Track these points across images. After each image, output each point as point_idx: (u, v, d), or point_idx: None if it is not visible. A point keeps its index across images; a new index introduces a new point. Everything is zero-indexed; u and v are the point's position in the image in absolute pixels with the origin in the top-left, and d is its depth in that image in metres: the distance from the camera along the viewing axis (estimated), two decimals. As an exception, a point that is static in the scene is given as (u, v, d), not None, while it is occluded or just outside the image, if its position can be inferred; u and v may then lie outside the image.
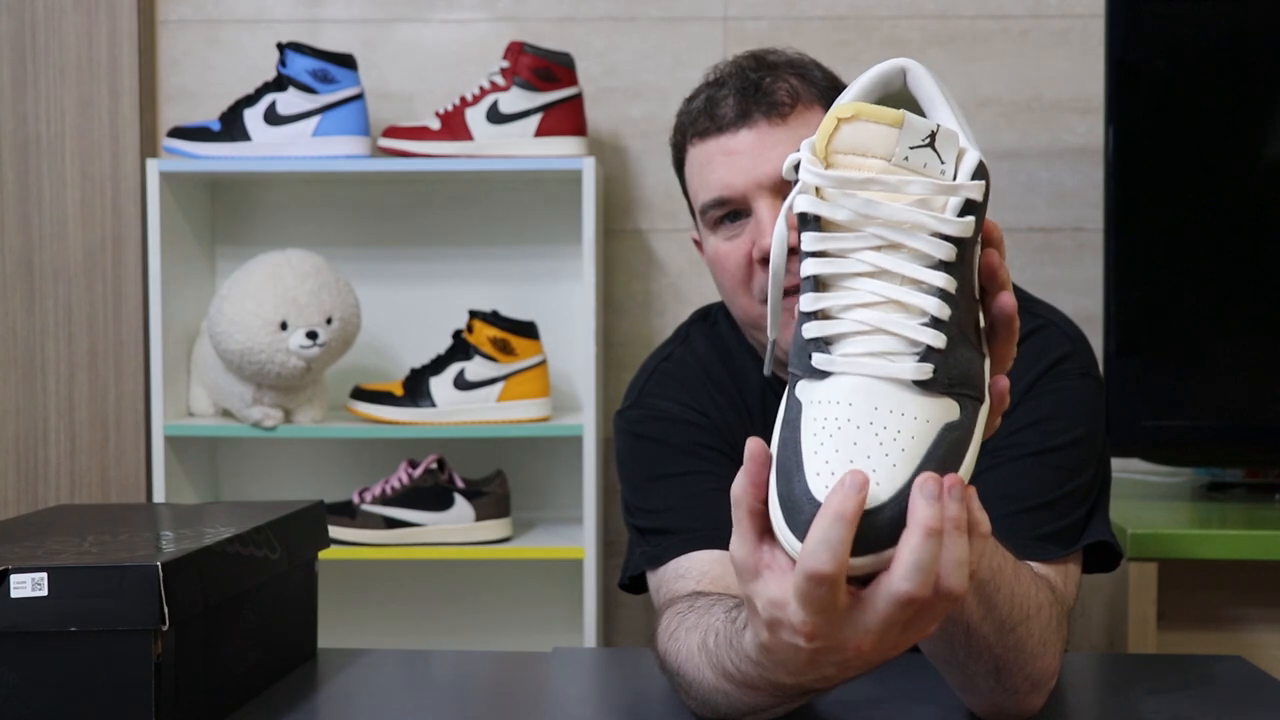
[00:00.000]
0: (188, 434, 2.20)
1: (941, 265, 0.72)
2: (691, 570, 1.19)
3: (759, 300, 1.25)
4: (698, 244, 1.36)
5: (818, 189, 0.73)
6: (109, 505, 1.75)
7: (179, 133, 2.19)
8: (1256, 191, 2.05)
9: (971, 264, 0.74)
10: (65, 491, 2.34)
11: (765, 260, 1.21)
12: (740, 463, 1.32)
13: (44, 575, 0.93)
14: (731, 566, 1.14)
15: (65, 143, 2.33)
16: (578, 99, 2.19)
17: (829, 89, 1.28)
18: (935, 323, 0.72)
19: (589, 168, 2.12)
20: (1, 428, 2.35)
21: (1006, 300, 0.77)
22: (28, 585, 0.93)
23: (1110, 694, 1.19)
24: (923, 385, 0.71)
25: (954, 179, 0.72)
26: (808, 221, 0.74)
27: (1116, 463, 2.14)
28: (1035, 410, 1.19)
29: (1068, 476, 1.18)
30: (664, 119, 2.39)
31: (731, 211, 1.26)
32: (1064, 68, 2.33)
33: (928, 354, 0.71)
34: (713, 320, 1.41)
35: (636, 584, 1.31)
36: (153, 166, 2.15)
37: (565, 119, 2.17)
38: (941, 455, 0.71)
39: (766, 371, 0.87)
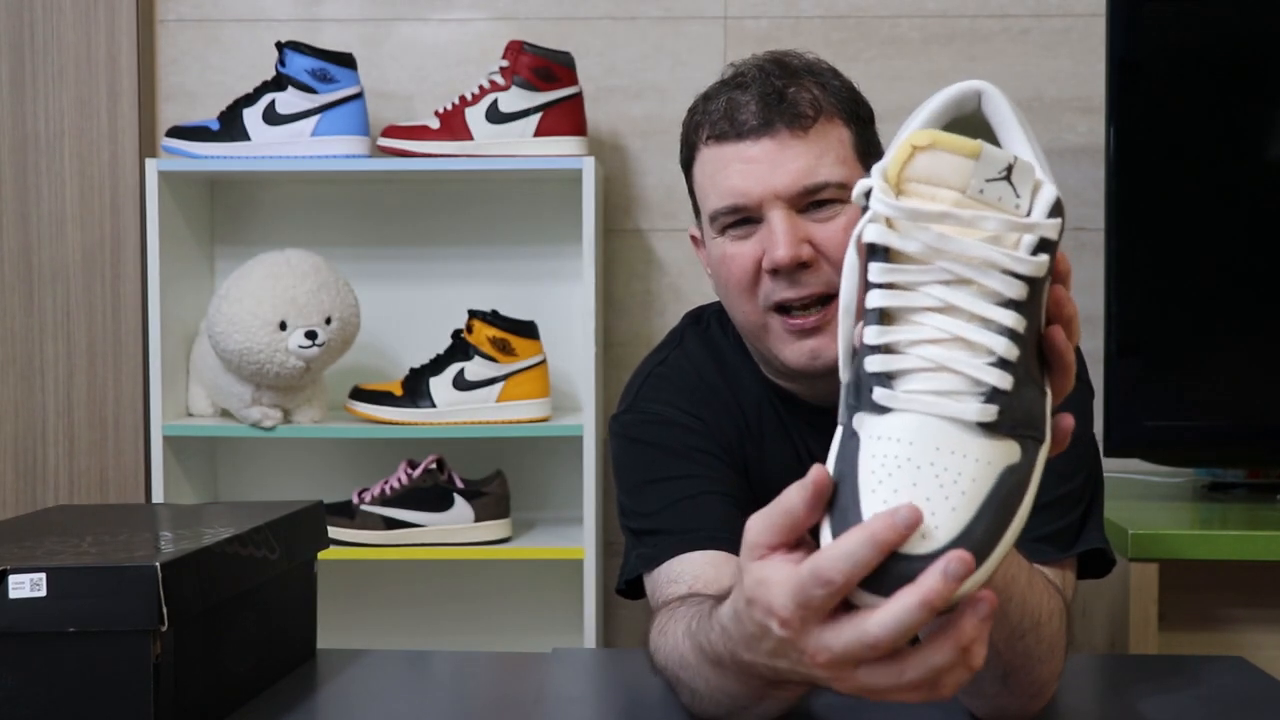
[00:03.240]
0: (187, 434, 2.20)
1: (1011, 304, 0.70)
2: (685, 574, 1.19)
3: (763, 309, 1.25)
4: (695, 240, 1.36)
5: (889, 220, 0.71)
6: (108, 506, 1.74)
7: (178, 132, 2.19)
8: (1257, 191, 2.05)
9: (1041, 302, 0.72)
10: (64, 492, 2.34)
11: (775, 271, 1.21)
12: (735, 467, 1.31)
13: (43, 576, 0.93)
14: (725, 568, 1.15)
15: (64, 142, 2.33)
16: (577, 98, 2.19)
17: (849, 99, 1.27)
18: (1002, 363, 0.70)
19: (589, 167, 2.12)
20: (1, 428, 2.34)
21: (1055, 335, 0.74)
22: (26, 586, 0.93)
23: (1111, 694, 1.19)
24: (986, 427, 0.69)
25: (1029, 214, 0.70)
26: (876, 252, 0.72)
27: (1117, 463, 2.15)
28: None
29: (1060, 480, 1.17)
30: (664, 119, 2.41)
31: (743, 219, 1.24)
32: (1065, 67, 2.33)
33: (993, 395, 0.69)
34: (705, 323, 1.40)
35: (634, 589, 1.30)
36: (151, 166, 2.15)
37: (565, 118, 2.17)
38: (1002, 499, 0.68)
39: (842, 422, 0.77)
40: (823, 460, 0.74)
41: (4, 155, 2.33)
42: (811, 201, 1.21)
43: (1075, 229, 2.32)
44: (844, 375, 0.75)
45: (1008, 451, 0.70)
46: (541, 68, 2.16)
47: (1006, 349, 0.69)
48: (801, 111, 1.22)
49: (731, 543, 1.20)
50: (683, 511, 1.24)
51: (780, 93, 1.23)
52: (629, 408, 1.36)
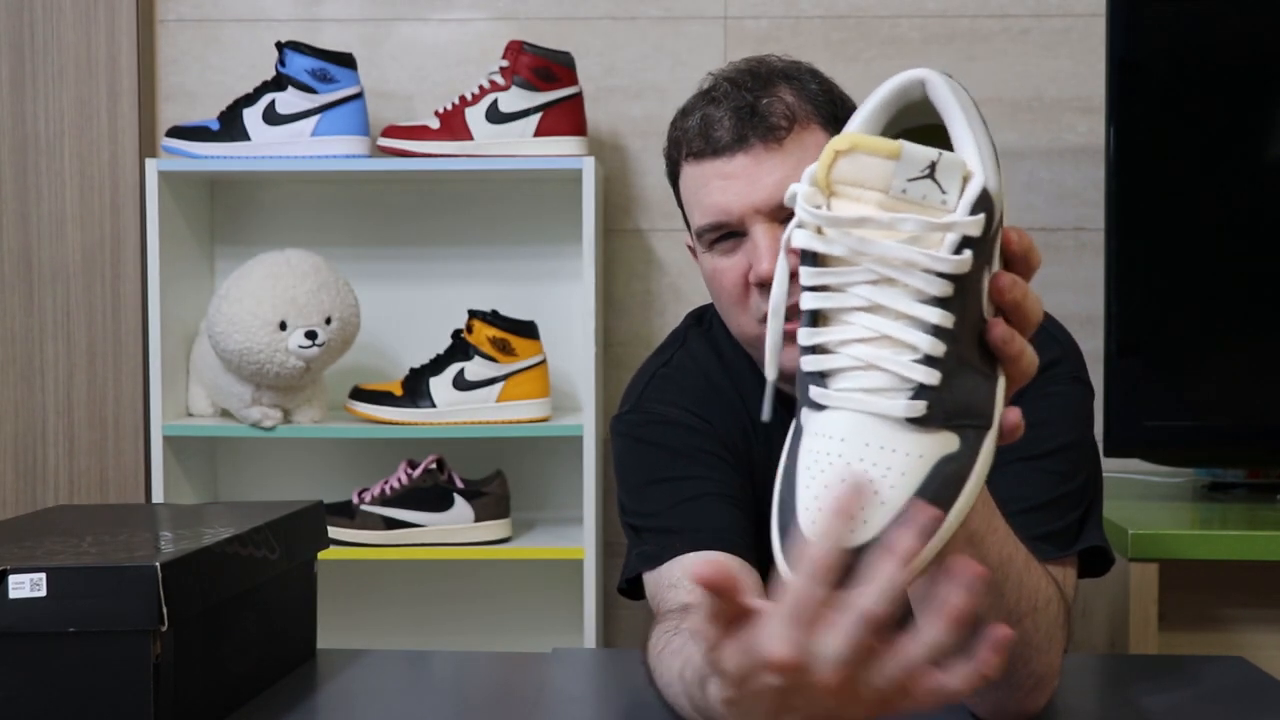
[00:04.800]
0: (187, 434, 2.20)
1: (936, 301, 0.71)
2: (685, 580, 1.19)
3: (757, 320, 1.25)
4: (692, 250, 1.36)
5: (816, 225, 0.73)
6: (108, 506, 1.75)
7: (178, 132, 2.19)
8: (1257, 191, 2.05)
9: (977, 293, 0.73)
10: (64, 492, 2.34)
11: (762, 284, 1.21)
12: (740, 469, 1.31)
13: (43, 576, 0.93)
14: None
15: (64, 142, 2.33)
16: (577, 98, 2.19)
17: (826, 102, 1.26)
18: (929, 360, 0.71)
19: (589, 167, 2.12)
20: (1, 428, 2.34)
21: (993, 329, 0.74)
22: (26, 586, 0.93)
23: (1111, 694, 1.19)
24: (915, 422, 0.70)
25: (955, 210, 0.71)
26: (806, 256, 0.74)
27: (1117, 463, 2.15)
28: (1027, 415, 1.18)
29: (1061, 480, 1.18)
30: (664, 119, 2.38)
31: (727, 234, 1.25)
32: (1065, 67, 2.33)
33: (920, 391, 0.70)
34: (708, 324, 1.41)
35: (635, 588, 1.30)
36: (151, 166, 2.15)
37: (565, 118, 2.17)
38: (936, 489, 0.70)
39: (765, 417, 0.82)
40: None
41: (4, 155, 2.33)
42: (792, 212, 1.22)
43: (1075, 229, 2.32)
44: (769, 374, 0.78)
45: (944, 443, 0.71)
46: (541, 68, 2.16)
47: (932, 346, 0.70)
48: (775, 124, 1.22)
49: (733, 545, 1.20)
50: (685, 512, 1.24)
51: (752, 107, 1.23)
52: (633, 408, 1.36)
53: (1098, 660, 1.33)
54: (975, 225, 0.71)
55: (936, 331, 0.71)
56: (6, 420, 2.34)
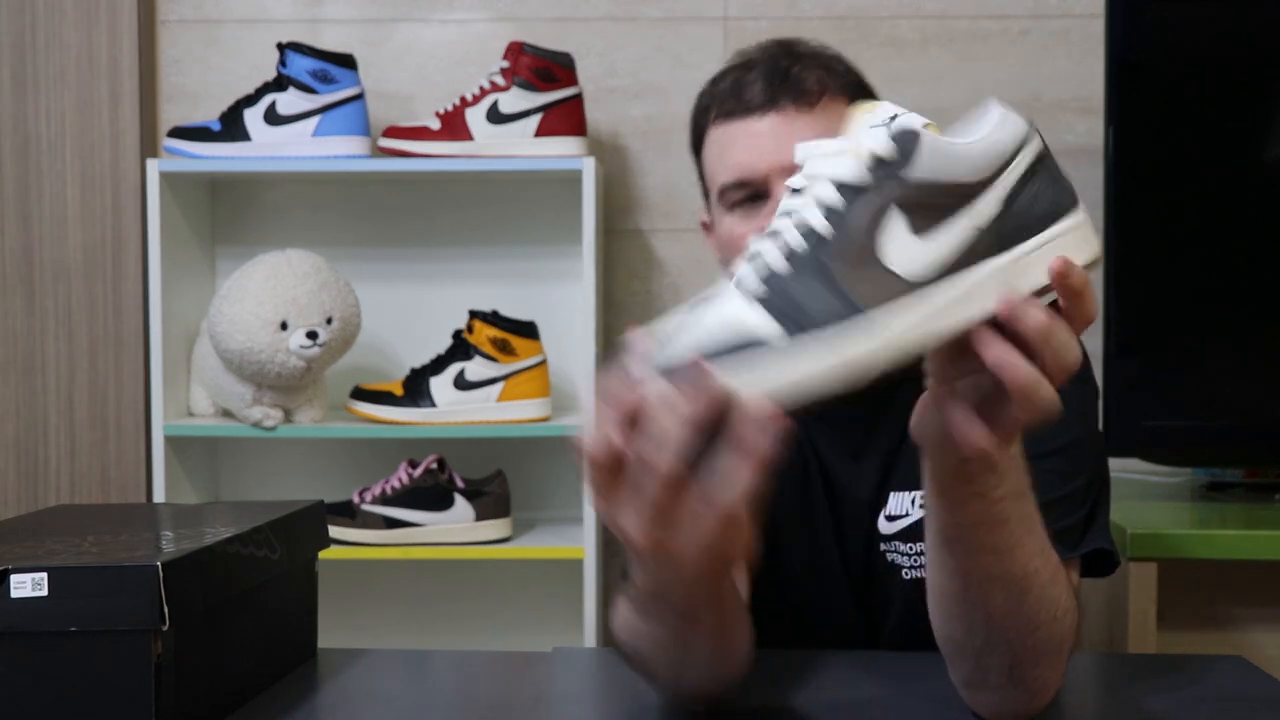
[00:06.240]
0: (188, 434, 2.20)
1: (825, 209, 0.77)
2: None
3: None
4: (705, 227, 1.36)
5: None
6: (109, 505, 1.75)
7: (179, 133, 2.19)
8: (1256, 191, 2.05)
9: (874, 223, 0.76)
10: (65, 491, 2.34)
11: None
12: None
13: (44, 575, 0.93)
14: None
15: (65, 142, 2.33)
16: (578, 99, 2.19)
17: (853, 84, 1.29)
18: (789, 254, 0.76)
19: (589, 168, 2.12)
20: (1, 428, 2.35)
21: (990, 350, 0.77)
22: (28, 585, 0.93)
23: (1110, 694, 1.19)
24: (753, 298, 0.75)
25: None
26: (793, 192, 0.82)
27: (1116, 462, 2.14)
28: None
29: (1066, 479, 1.18)
30: (664, 119, 2.41)
31: (751, 195, 1.25)
32: (1064, 67, 2.33)
33: (770, 276, 0.76)
34: None
35: None
36: (153, 166, 2.15)
37: (565, 119, 2.17)
38: (729, 351, 0.74)
39: None
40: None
41: (6, 156, 2.33)
42: None
43: (1075, 229, 2.32)
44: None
45: (764, 325, 0.74)
46: (542, 68, 2.16)
47: (798, 242, 0.77)
48: (807, 89, 1.24)
49: None
50: None
51: (785, 72, 1.25)
52: None
53: (1097, 660, 1.33)
54: (885, 148, 0.76)
55: (808, 233, 0.77)
56: (8, 420, 2.35)
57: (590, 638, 2.14)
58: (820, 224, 0.76)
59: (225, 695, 1.06)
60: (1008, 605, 0.94)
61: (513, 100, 2.15)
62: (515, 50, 2.17)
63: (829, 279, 0.75)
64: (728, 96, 1.27)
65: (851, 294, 0.75)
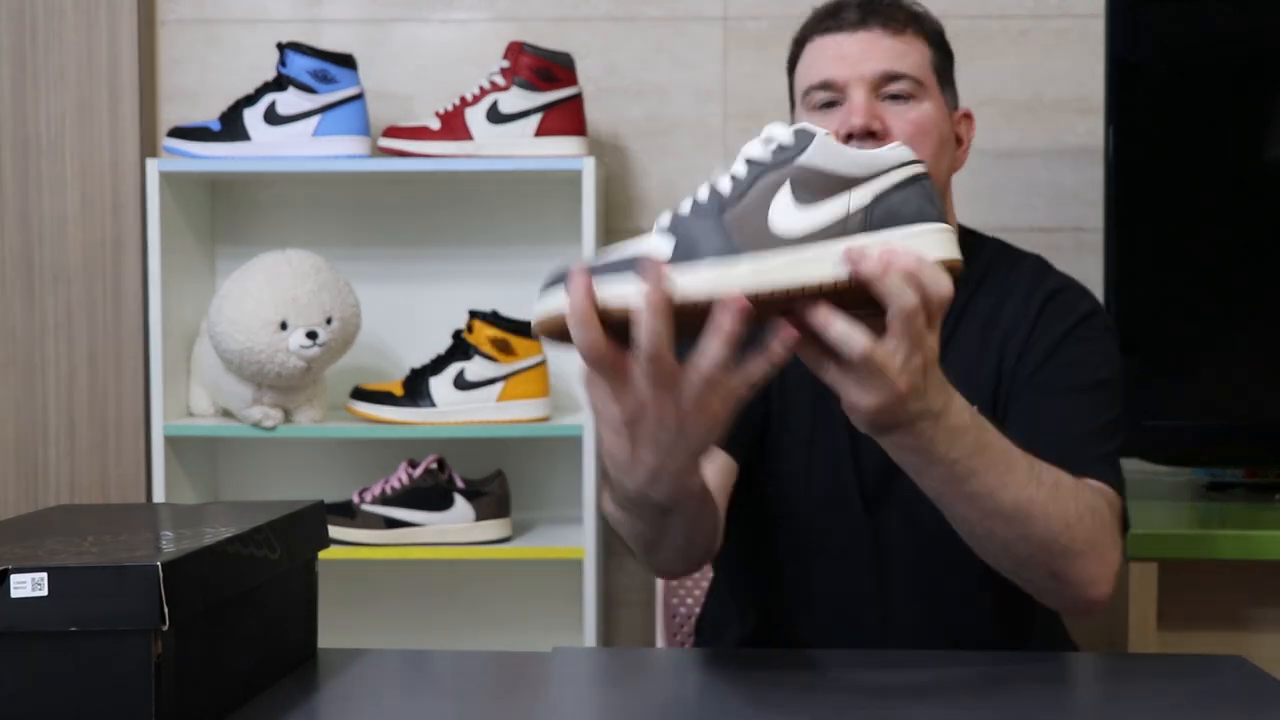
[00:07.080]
0: (188, 434, 2.20)
1: (733, 179, 0.97)
2: None
3: None
4: None
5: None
6: (109, 505, 1.75)
7: (179, 133, 2.19)
8: (1257, 191, 2.05)
9: (768, 191, 0.96)
10: (65, 491, 2.34)
11: (849, 136, 1.36)
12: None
13: (44, 575, 0.93)
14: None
15: (65, 143, 2.33)
16: (577, 99, 2.19)
17: (936, 33, 1.45)
18: (694, 205, 0.97)
19: (589, 168, 2.12)
20: (1, 428, 2.35)
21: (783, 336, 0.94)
22: (28, 585, 0.93)
23: (1110, 694, 1.19)
24: (661, 228, 0.96)
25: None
26: None
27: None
28: (1075, 352, 1.39)
29: (1102, 411, 1.36)
30: (664, 119, 2.41)
31: (831, 100, 1.40)
32: (1064, 67, 2.33)
33: (676, 217, 0.97)
34: None
35: None
36: (152, 166, 2.16)
37: (565, 119, 2.17)
38: (628, 264, 0.93)
39: None
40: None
41: (5, 156, 2.33)
42: (889, 92, 1.39)
43: (1074, 229, 2.32)
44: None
45: (662, 246, 0.95)
46: (541, 68, 2.16)
47: (703, 193, 0.97)
48: (896, 16, 1.41)
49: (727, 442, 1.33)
50: None
51: (880, 1, 1.42)
52: None
53: (1097, 659, 1.33)
54: (787, 139, 0.98)
55: (713, 193, 0.97)
56: (7, 420, 2.34)
57: (590, 638, 2.14)
58: (725, 186, 0.97)
59: (225, 695, 1.06)
60: (1014, 532, 1.11)
61: (513, 100, 2.15)
62: (515, 50, 2.17)
63: (720, 226, 0.95)
64: (826, 15, 1.44)
65: (733, 238, 0.95)
